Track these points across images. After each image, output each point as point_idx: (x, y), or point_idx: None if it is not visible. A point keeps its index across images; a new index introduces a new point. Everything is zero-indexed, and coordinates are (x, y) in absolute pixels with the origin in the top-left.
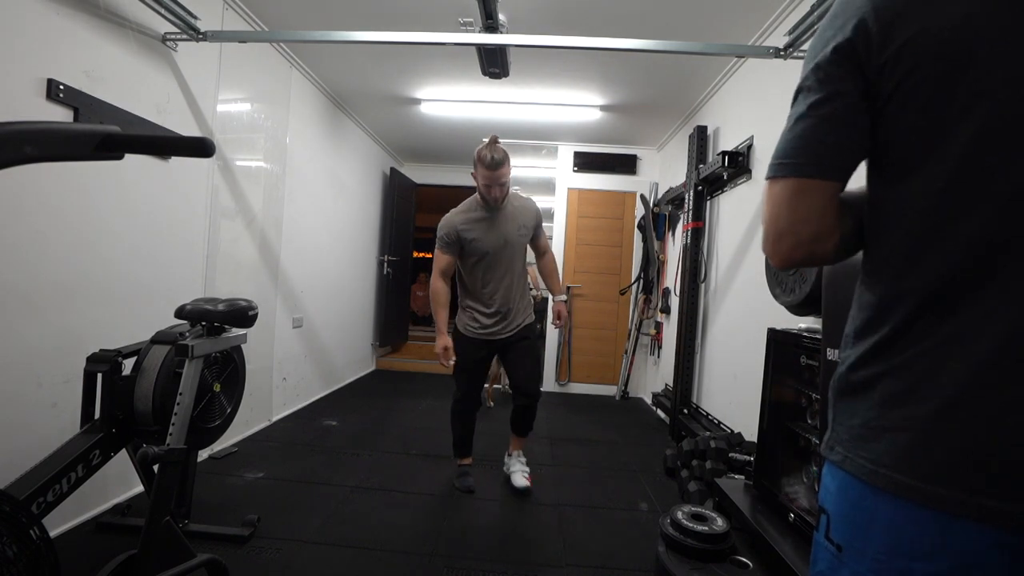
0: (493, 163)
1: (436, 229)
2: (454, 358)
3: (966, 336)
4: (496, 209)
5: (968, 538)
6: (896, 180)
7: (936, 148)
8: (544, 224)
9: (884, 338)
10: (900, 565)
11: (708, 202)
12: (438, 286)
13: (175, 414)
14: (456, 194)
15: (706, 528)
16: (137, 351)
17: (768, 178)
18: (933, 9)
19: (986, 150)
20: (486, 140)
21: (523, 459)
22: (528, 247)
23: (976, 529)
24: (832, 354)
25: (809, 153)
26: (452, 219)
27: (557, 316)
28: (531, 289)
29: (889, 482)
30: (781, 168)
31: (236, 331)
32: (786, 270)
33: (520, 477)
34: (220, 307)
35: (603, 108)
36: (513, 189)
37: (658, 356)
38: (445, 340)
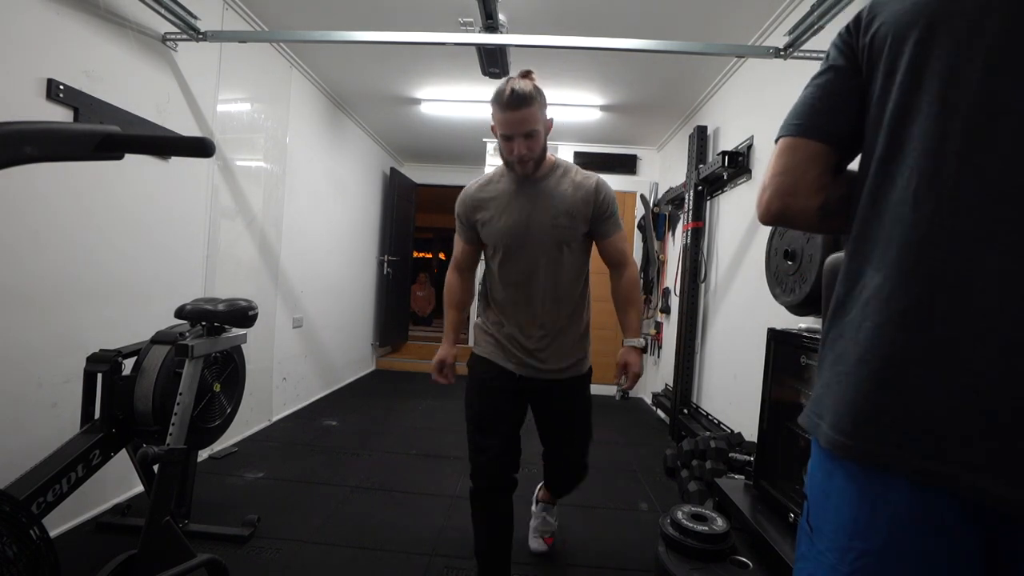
0: (511, 100)
1: (440, 228)
2: (451, 379)
3: (886, 300)
4: (526, 179)
5: (901, 495)
6: (864, 160)
7: (880, 124)
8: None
9: (833, 308)
10: (848, 532)
11: (708, 202)
12: (451, 279)
13: (175, 414)
14: (457, 194)
15: (706, 528)
16: (137, 351)
17: (776, 139)
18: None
19: (931, 119)
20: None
21: (554, 515)
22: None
23: (908, 485)
24: None
25: (800, 115)
26: (467, 190)
27: (623, 369)
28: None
29: (832, 442)
30: (781, 129)
31: (236, 331)
32: (769, 224)
33: (536, 539)
34: (220, 307)
35: (603, 108)
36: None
37: (658, 356)
38: (444, 351)
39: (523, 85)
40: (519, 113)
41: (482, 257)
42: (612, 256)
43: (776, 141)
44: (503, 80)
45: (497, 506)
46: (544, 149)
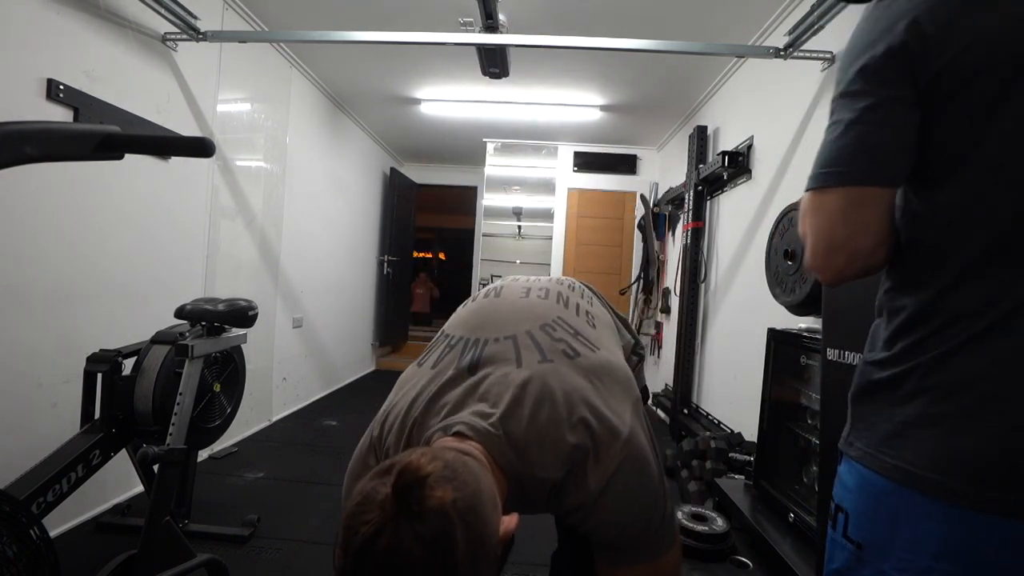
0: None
1: (440, 228)
2: None
3: (1003, 339)
4: None
5: (993, 535)
6: (942, 188)
7: (990, 155)
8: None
9: (918, 339)
10: (924, 564)
11: (708, 202)
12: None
13: (175, 414)
14: (457, 194)
15: (706, 528)
16: (137, 351)
17: (816, 188)
18: (983, 10)
19: None
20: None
21: None
22: None
23: (1002, 525)
24: (832, 354)
25: (866, 159)
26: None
27: None
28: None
29: (915, 480)
30: (833, 177)
31: (236, 331)
32: (837, 286)
33: None
34: (220, 307)
35: (603, 108)
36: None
37: (658, 356)
38: None
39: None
40: None
41: None
42: None
43: (822, 187)
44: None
45: None
46: None
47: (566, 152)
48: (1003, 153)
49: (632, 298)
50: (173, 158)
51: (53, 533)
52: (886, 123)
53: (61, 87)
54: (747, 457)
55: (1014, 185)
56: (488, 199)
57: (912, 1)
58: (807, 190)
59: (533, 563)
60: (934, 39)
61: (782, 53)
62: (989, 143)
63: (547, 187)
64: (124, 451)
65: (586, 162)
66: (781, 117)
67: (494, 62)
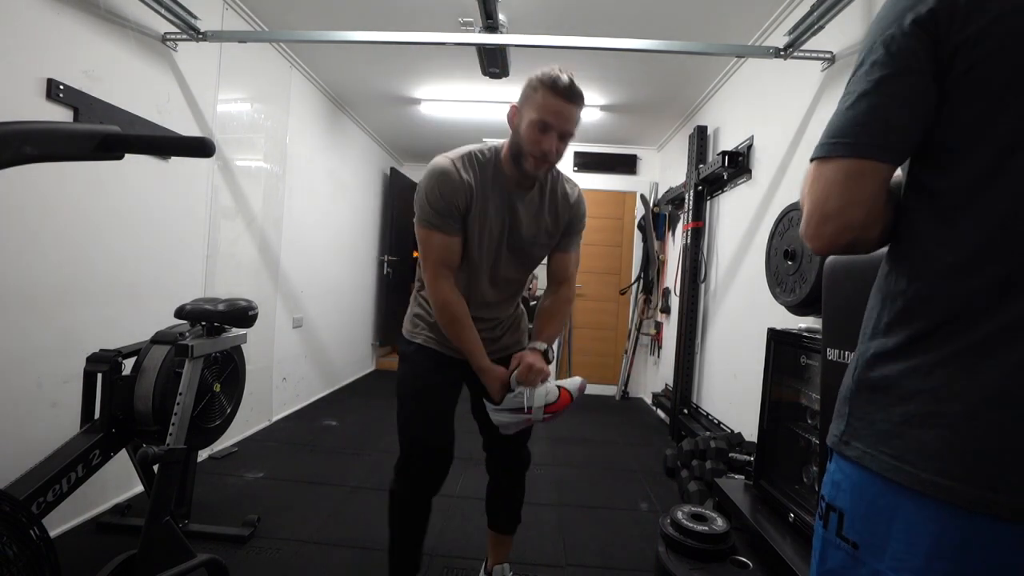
0: (570, 89)
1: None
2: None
3: (1006, 336)
4: (521, 182)
5: (990, 536)
6: (943, 170)
7: (994, 145)
8: None
9: (918, 332)
10: (919, 564)
11: (708, 202)
12: (447, 293)
13: (175, 414)
14: None
15: (706, 528)
16: (137, 351)
17: (818, 157)
18: None
19: None
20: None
21: None
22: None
23: (999, 527)
24: (832, 354)
25: (872, 132)
26: (448, 168)
27: (525, 371)
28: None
29: (914, 479)
30: (837, 147)
31: (236, 331)
32: (825, 255)
33: None
34: (220, 307)
35: (603, 108)
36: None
37: (658, 356)
38: (499, 370)
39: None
40: (572, 107)
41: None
42: (561, 272)
43: (824, 157)
44: (547, 68)
45: (429, 504)
46: None
47: (566, 152)
48: (1016, 138)
49: (632, 298)
50: (173, 158)
51: (53, 533)
52: (897, 96)
53: (61, 87)
54: (747, 457)
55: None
56: None
57: None
58: (811, 159)
59: (533, 563)
60: (965, 6)
61: (782, 53)
62: (1002, 126)
63: None
64: (124, 451)
65: (586, 162)
66: (781, 117)
67: (494, 62)
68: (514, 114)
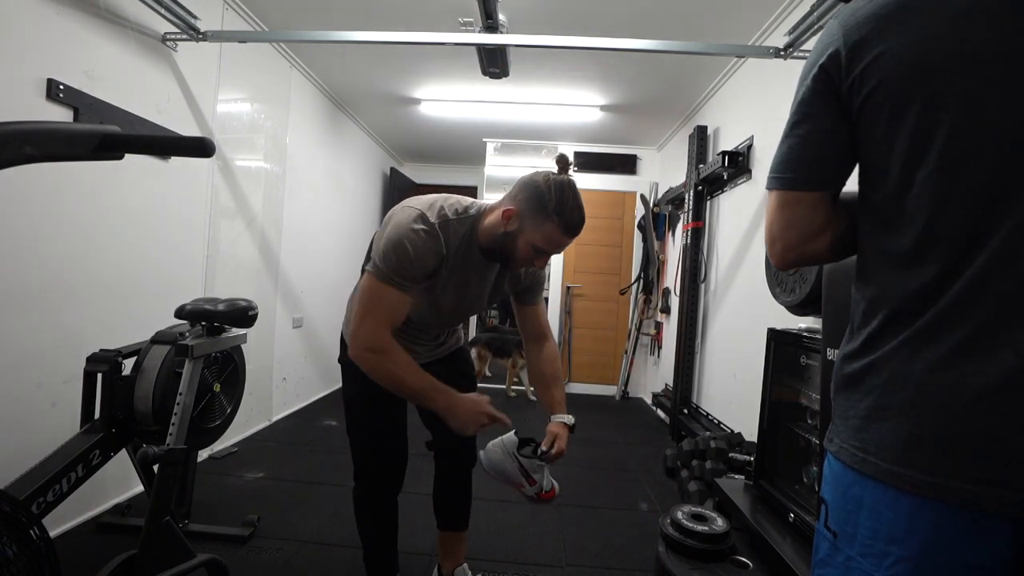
0: (578, 225)
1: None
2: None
3: (939, 327)
4: (484, 253)
5: (934, 519)
6: (873, 185)
7: (901, 156)
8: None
9: (872, 332)
10: (880, 548)
11: (708, 202)
12: (386, 343)
13: (175, 414)
14: (456, 194)
15: (706, 528)
16: (137, 351)
17: (767, 189)
18: (891, 34)
19: (948, 157)
20: (556, 171)
21: None
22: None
23: (942, 510)
24: (832, 354)
25: (791, 169)
26: (428, 236)
27: (551, 446)
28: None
29: (876, 469)
30: (772, 182)
31: (236, 331)
32: (786, 270)
33: None
34: (220, 307)
35: (603, 108)
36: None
37: (658, 356)
38: (473, 399)
39: (581, 209)
40: (572, 239)
41: None
42: (536, 327)
43: (769, 190)
44: (561, 187)
45: (394, 504)
46: None
47: (566, 152)
48: (916, 152)
49: (632, 298)
50: (173, 158)
51: (53, 533)
52: (805, 138)
53: (61, 87)
54: (747, 457)
55: (931, 182)
56: (488, 199)
57: (843, 23)
58: (767, 188)
59: (533, 563)
60: (846, 59)
61: (782, 53)
62: (901, 143)
63: None
64: (124, 451)
65: (586, 162)
66: (781, 117)
67: (494, 62)
68: (510, 218)
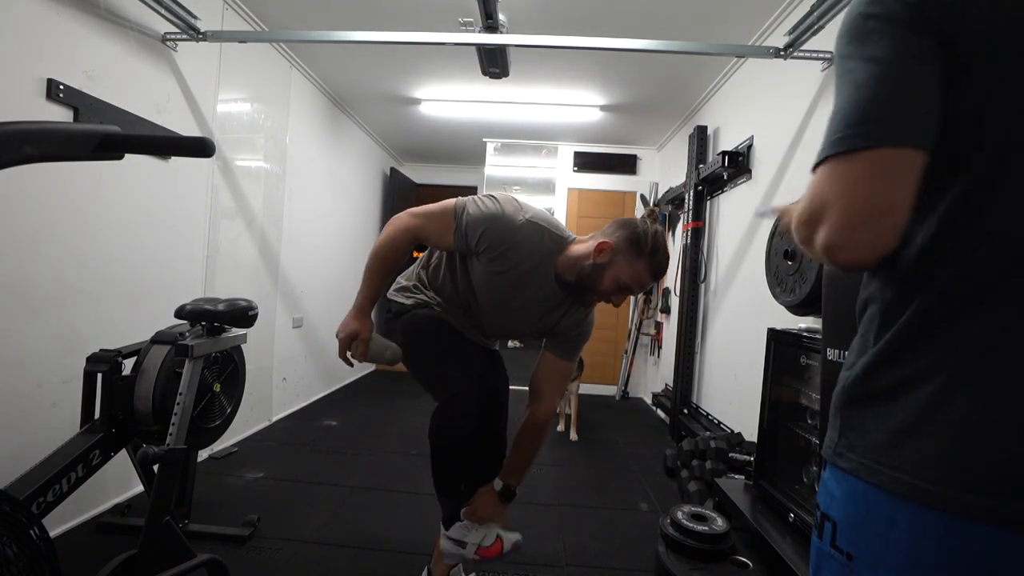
0: (662, 269)
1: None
2: (361, 359)
3: (1000, 338)
4: (573, 299)
5: (988, 543)
6: (939, 167)
7: (985, 137)
8: None
9: (910, 339)
10: (919, 574)
11: (708, 202)
12: (400, 235)
13: (175, 414)
14: (457, 194)
15: (706, 528)
16: (137, 351)
17: (837, 153)
18: None
19: None
20: (647, 217)
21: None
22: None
23: (998, 533)
24: (832, 354)
25: (899, 116)
26: (515, 230)
27: (472, 511)
28: None
29: (912, 489)
30: (861, 137)
31: (236, 331)
32: (851, 272)
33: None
34: (220, 307)
35: (603, 108)
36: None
37: (658, 356)
38: (361, 323)
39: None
40: (655, 281)
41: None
42: (550, 380)
43: (846, 152)
44: (657, 228)
45: (474, 441)
46: None
47: (566, 152)
48: (997, 141)
49: (632, 298)
50: (173, 158)
51: (53, 533)
52: (916, 76)
53: (61, 87)
54: (747, 457)
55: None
56: None
57: None
58: (824, 158)
59: (533, 563)
60: None
61: (782, 53)
62: (989, 126)
63: (547, 187)
64: (124, 451)
65: (586, 162)
66: (781, 117)
67: (494, 62)
68: (603, 251)
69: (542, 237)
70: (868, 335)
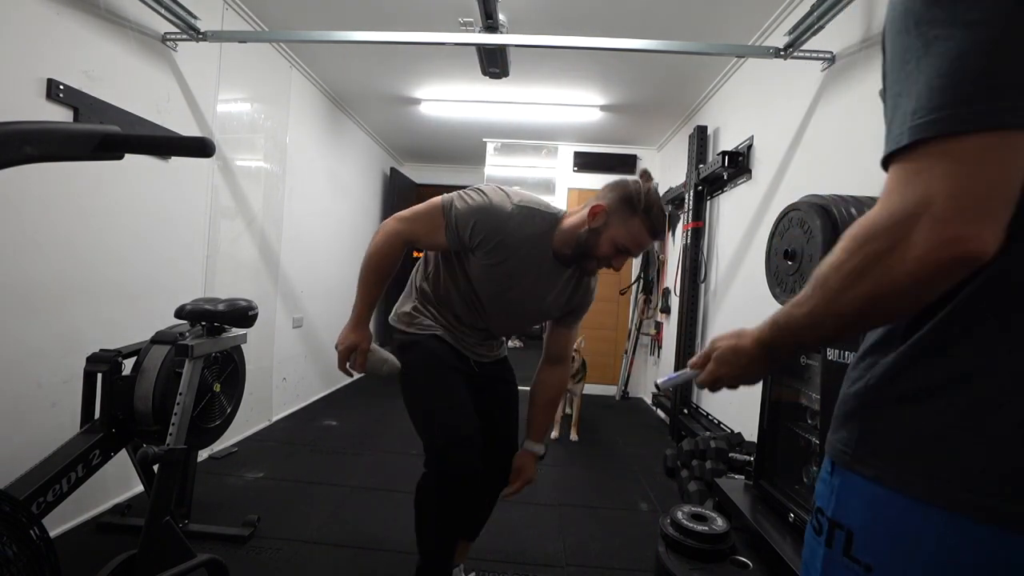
0: (661, 225)
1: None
2: (361, 370)
3: None
4: (569, 263)
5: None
6: None
7: None
8: None
9: (949, 337)
10: None
11: (708, 202)
12: (394, 241)
13: (175, 414)
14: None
15: (706, 528)
16: (137, 351)
17: (939, 135)
18: None
19: None
20: (640, 178)
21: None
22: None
23: None
24: (832, 354)
25: (1012, 90)
26: (498, 210)
27: (517, 474)
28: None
29: (948, 498)
30: (970, 118)
31: (236, 331)
32: (959, 274)
33: None
34: (220, 307)
35: (603, 108)
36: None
37: (658, 356)
38: (360, 334)
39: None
40: (653, 240)
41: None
42: (561, 348)
43: (951, 134)
44: (647, 190)
45: (467, 495)
46: None
47: (566, 152)
48: None
49: (632, 298)
50: (173, 158)
51: (53, 533)
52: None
53: (61, 87)
54: (747, 457)
55: None
56: None
57: None
58: (915, 140)
59: (533, 563)
60: None
61: (782, 53)
62: None
63: (547, 187)
64: (124, 451)
65: (586, 162)
66: (781, 117)
67: (494, 62)
68: (597, 214)
69: (534, 220)
70: (894, 330)
